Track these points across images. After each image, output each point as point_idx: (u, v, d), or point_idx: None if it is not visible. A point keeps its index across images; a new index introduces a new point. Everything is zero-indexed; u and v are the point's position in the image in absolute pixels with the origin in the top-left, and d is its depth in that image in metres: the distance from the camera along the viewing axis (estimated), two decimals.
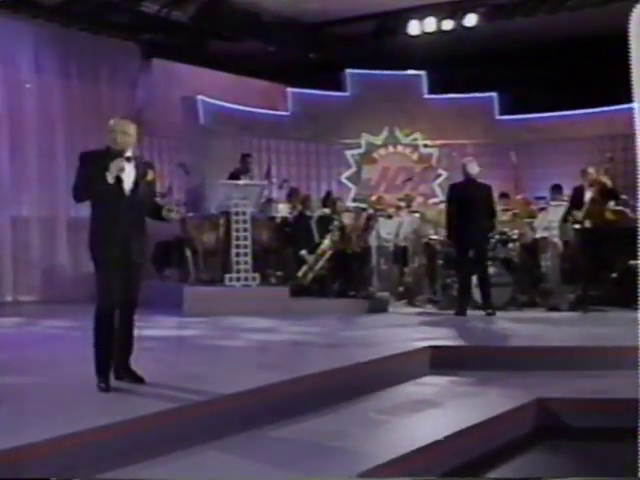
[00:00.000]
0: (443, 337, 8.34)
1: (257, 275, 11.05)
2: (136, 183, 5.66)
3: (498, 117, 16.84)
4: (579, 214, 10.47)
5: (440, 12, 14.61)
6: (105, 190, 5.52)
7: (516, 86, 14.98)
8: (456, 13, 14.50)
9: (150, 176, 5.82)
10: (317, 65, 15.86)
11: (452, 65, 14.90)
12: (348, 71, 16.74)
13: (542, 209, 12.22)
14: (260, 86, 16.13)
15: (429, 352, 7.39)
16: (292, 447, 4.99)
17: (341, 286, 11.46)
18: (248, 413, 5.36)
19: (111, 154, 5.58)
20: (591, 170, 10.69)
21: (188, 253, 12.08)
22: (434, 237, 11.69)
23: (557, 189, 12.70)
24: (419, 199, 14.58)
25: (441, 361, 7.29)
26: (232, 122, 15.42)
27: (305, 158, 16.60)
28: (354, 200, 15.57)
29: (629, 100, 3.98)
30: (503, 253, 11.24)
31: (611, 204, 10.53)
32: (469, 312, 10.18)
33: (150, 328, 8.61)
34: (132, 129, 5.68)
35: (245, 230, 10.97)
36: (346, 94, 16.83)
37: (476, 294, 10.44)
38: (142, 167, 5.78)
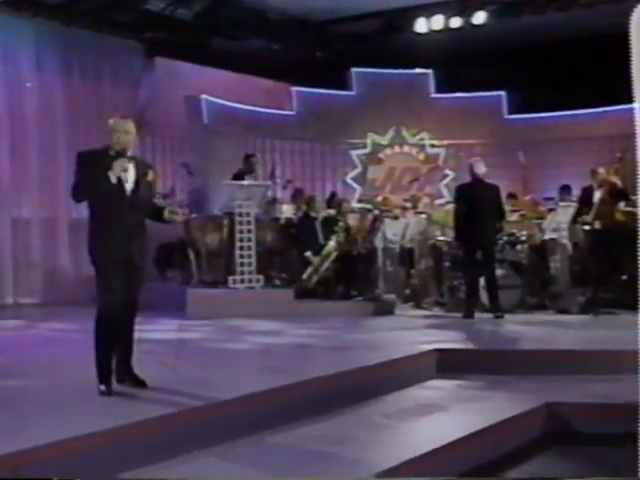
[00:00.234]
0: (450, 340, 8.30)
1: (261, 277, 11.00)
2: (137, 183, 5.64)
3: (506, 116, 16.81)
4: (589, 215, 10.36)
5: (448, 9, 14.54)
6: (107, 190, 5.51)
7: (525, 85, 14.96)
8: (465, 10, 14.41)
9: (150, 176, 5.80)
10: (323, 64, 15.81)
11: (460, 64, 14.87)
12: (354, 70, 16.72)
13: (551, 210, 12.13)
14: (265, 85, 16.07)
15: (435, 355, 7.34)
16: (295, 452, 4.96)
17: (346, 288, 11.39)
18: (251, 418, 5.32)
19: (110, 154, 5.55)
20: (601, 170, 10.66)
21: (191, 255, 12.04)
22: (441, 238, 11.66)
23: (566, 189, 12.68)
24: (426, 200, 14.52)
25: (448, 364, 7.25)
26: (236, 122, 15.37)
27: (310, 158, 16.58)
28: (359, 201, 15.59)
29: None
30: (511, 255, 11.19)
31: (621, 205, 10.42)
32: (477, 315, 10.12)
33: (153, 331, 8.66)
34: (133, 128, 5.69)
35: (249, 231, 10.93)
36: (352, 93, 16.81)
37: (484, 296, 10.39)
38: (142, 167, 5.76)
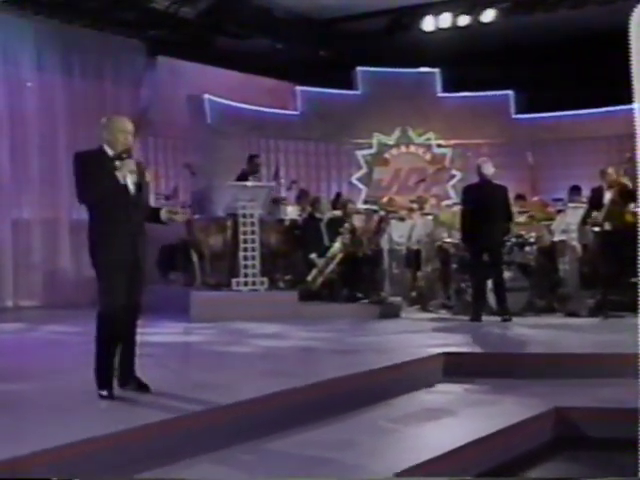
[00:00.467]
0: (457, 343, 8.24)
1: (265, 279, 10.97)
2: (138, 183, 5.65)
3: (514, 116, 16.84)
4: (599, 216, 10.27)
5: (457, 7, 14.48)
6: (114, 191, 5.51)
7: (533, 84, 14.95)
8: (474, 8, 14.33)
9: (148, 177, 5.83)
10: (327, 63, 15.82)
11: (467, 62, 14.80)
12: (359, 69, 16.73)
13: (560, 211, 12.08)
14: (269, 84, 16.07)
15: (442, 359, 7.30)
16: (298, 457, 4.90)
17: (351, 290, 11.34)
18: (253, 422, 5.27)
19: (110, 154, 5.57)
20: (610, 171, 10.56)
21: (194, 257, 12.05)
22: (448, 240, 11.60)
23: (575, 190, 12.61)
24: (432, 201, 14.43)
25: (455, 368, 7.19)
26: (240, 122, 15.36)
27: (315, 159, 16.60)
28: (365, 202, 15.61)
29: None
30: (519, 257, 11.12)
31: (631, 206, 10.30)
32: (484, 318, 10.04)
33: (155, 334, 8.64)
34: (132, 127, 5.77)
35: (253, 233, 10.87)
36: (357, 93, 16.81)
37: (491, 299, 10.30)
38: (140, 167, 5.77)
